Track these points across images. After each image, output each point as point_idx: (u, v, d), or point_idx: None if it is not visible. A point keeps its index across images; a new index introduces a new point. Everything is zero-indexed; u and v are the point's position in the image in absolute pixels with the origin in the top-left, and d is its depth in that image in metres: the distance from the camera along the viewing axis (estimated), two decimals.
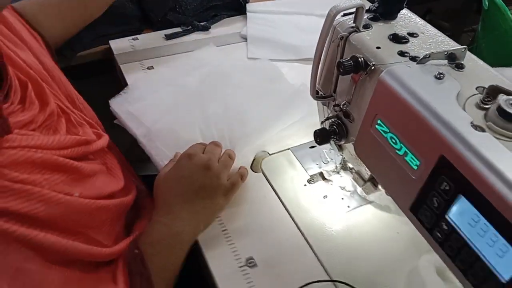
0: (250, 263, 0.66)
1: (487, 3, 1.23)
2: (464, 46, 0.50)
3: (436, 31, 0.56)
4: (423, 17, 1.68)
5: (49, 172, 0.53)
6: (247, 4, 1.21)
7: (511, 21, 1.16)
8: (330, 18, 0.55)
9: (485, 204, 0.39)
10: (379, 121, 0.50)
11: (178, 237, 0.65)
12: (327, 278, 0.64)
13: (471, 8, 1.81)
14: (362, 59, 0.53)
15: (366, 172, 0.65)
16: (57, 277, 0.51)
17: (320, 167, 0.80)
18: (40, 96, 0.60)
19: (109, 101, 0.89)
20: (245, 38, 1.13)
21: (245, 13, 1.20)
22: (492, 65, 0.53)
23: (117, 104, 0.88)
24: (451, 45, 0.53)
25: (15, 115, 0.54)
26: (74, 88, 0.77)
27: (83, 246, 0.55)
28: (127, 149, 0.94)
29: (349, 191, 0.77)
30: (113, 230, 0.64)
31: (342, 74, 0.54)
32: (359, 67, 0.52)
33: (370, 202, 0.75)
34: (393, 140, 0.49)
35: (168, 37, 1.12)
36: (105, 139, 0.69)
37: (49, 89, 0.65)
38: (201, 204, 0.68)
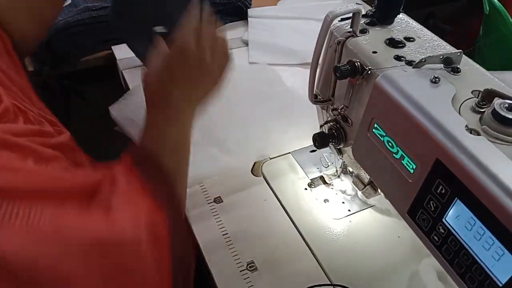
0: (251, 267, 0.66)
1: (488, 7, 1.23)
2: (459, 50, 0.50)
3: (433, 35, 0.57)
4: (426, 20, 1.68)
5: (4, 150, 0.48)
6: (248, 10, 1.22)
7: (511, 25, 1.16)
8: (327, 23, 0.56)
9: (481, 208, 0.39)
10: (376, 125, 0.51)
11: (179, 112, 0.63)
12: (328, 282, 0.65)
13: (474, 12, 1.81)
14: (358, 63, 0.53)
15: (366, 176, 0.66)
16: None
17: (320, 171, 0.80)
18: None
19: (109, 108, 0.90)
20: (246, 43, 1.14)
21: (247, 18, 1.20)
22: (494, 68, 0.53)
23: (117, 111, 0.89)
24: (447, 49, 0.54)
25: None
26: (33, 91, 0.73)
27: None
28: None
29: (349, 195, 0.77)
30: None
31: (339, 79, 0.54)
32: (356, 72, 0.53)
33: (371, 206, 0.76)
34: (390, 144, 0.49)
35: None
36: (66, 135, 0.67)
37: (4, 90, 0.61)
38: (190, 77, 0.64)
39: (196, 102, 0.66)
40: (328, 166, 0.80)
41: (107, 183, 0.52)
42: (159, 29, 0.72)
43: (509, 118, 0.42)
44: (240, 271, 0.66)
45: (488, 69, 0.51)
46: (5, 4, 0.74)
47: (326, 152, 0.82)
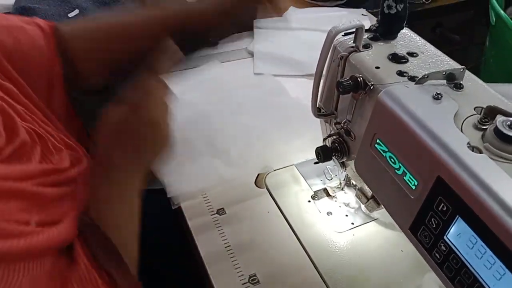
0: (253, 280, 0.66)
1: (494, 17, 1.23)
2: (462, 67, 0.50)
3: (436, 50, 0.57)
4: (433, 30, 1.67)
5: (3, 201, 0.49)
6: (254, 20, 1.22)
7: None
8: (330, 38, 0.56)
9: (482, 226, 0.39)
10: (378, 140, 0.51)
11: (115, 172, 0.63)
12: None
13: (482, 21, 1.81)
14: (361, 78, 0.53)
15: (369, 190, 0.65)
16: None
17: (324, 183, 0.80)
18: (9, 128, 0.57)
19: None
20: (251, 54, 1.14)
21: (253, 29, 1.21)
22: (500, 80, 0.53)
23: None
24: (451, 64, 0.54)
25: None
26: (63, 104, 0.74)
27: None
28: None
29: (353, 208, 0.76)
30: None
31: (342, 94, 0.54)
32: (358, 87, 0.53)
33: (375, 219, 0.75)
34: (392, 160, 0.49)
35: None
36: (82, 166, 0.66)
37: (26, 112, 0.62)
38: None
39: (143, 164, 0.65)
40: (332, 178, 0.80)
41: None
42: None
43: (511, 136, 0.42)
44: (242, 284, 0.65)
45: (494, 81, 0.51)
46: (82, 55, 0.76)
47: (330, 165, 0.82)
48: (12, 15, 0.74)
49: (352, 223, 0.74)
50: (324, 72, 0.61)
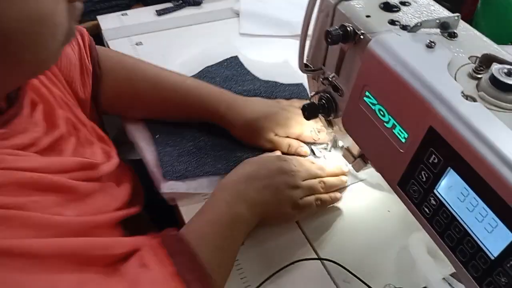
0: None
1: None
2: (457, 14, 0.48)
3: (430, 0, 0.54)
4: None
5: (39, 194, 0.47)
6: None
7: None
8: None
9: (475, 177, 0.37)
10: (367, 93, 0.48)
11: (239, 218, 0.60)
12: (315, 257, 0.63)
13: None
14: (351, 28, 0.50)
15: (356, 148, 0.63)
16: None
17: (310, 144, 0.78)
18: (49, 118, 0.56)
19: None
20: (237, 14, 1.10)
21: None
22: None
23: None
24: (445, 14, 0.51)
25: (14, 138, 0.49)
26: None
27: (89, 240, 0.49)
28: (117, 131, 0.92)
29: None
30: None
31: (330, 44, 0.51)
32: (348, 37, 0.50)
33: (362, 180, 0.74)
34: (381, 113, 0.47)
35: (159, 12, 1.10)
36: (114, 162, 0.63)
37: (62, 98, 0.61)
38: (266, 199, 0.63)
39: (259, 210, 0.63)
40: (319, 139, 0.78)
41: (135, 262, 0.50)
42: None
43: (508, 84, 0.39)
44: None
45: None
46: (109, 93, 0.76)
47: (318, 125, 0.80)
48: None
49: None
50: (312, 25, 0.58)
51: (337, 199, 0.69)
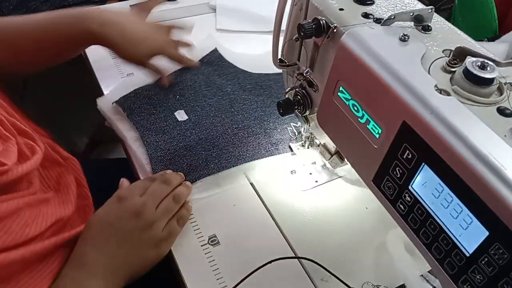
0: (213, 241, 0.63)
1: None
2: (431, 7, 0.47)
3: None
4: None
5: None
6: None
7: None
8: None
9: (449, 173, 0.37)
10: (341, 88, 0.47)
11: None
12: (293, 255, 0.62)
13: None
14: (324, 21, 0.49)
15: (332, 145, 0.62)
16: None
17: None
18: None
19: (96, 99, 0.81)
20: (214, 9, 1.08)
21: None
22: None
23: (106, 103, 0.81)
24: (418, 6, 0.50)
25: None
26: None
27: None
28: (97, 128, 0.90)
29: (315, 164, 0.74)
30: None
31: (303, 38, 0.50)
32: (321, 30, 0.49)
33: (340, 177, 0.73)
34: (355, 108, 0.46)
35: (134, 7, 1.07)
36: (36, 158, 0.55)
37: None
38: (123, 258, 0.56)
39: (122, 274, 0.56)
40: (296, 136, 0.77)
41: None
42: None
43: (482, 77, 0.39)
44: (202, 245, 0.62)
45: None
46: None
47: (295, 122, 0.79)
48: None
49: (316, 181, 0.71)
50: (285, 19, 0.57)
51: (190, 209, 0.65)
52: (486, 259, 0.35)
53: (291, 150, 0.75)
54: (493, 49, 0.43)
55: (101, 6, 1.06)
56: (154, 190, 0.62)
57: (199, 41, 0.94)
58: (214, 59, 0.92)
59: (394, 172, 0.42)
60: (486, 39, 1.14)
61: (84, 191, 0.67)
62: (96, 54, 0.91)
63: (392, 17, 0.46)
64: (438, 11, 0.49)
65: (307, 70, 0.56)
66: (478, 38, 1.19)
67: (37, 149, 0.57)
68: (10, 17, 0.71)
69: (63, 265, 0.55)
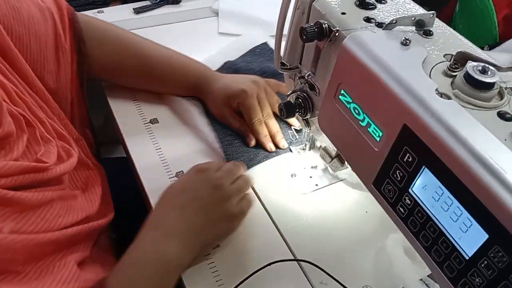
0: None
1: None
2: (432, 12, 0.47)
3: None
4: None
5: None
6: None
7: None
8: None
9: (450, 176, 0.37)
10: (342, 91, 0.47)
11: (165, 258, 0.55)
12: (292, 258, 0.62)
13: None
14: (326, 25, 0.49)
15: (333, 149, 0.63)
16: None
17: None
18: None
19: None
20: (216, 13, 1.09)
21: None
22: None
23: None
24: (420, 11, 0.51)
25: None
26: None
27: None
28: (100, 127, 0.90)
29: (316, 167, 0.74)
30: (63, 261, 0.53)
31: (305, 41, 0.50)
32: (323, 34, 0.49)
33: (342, 180, 0.73)
34: (356, 111, 0.46)
35: (137, 10, 1.08)
36: (71, 161, 0.58)
37: (17, 92, 0.55)
38: (200, 226, 0.58)
39: (198, 241, 0.59)
40: (297, 139, 0.77)
41: None
42: None
43: (483, 81, 0.39)
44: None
45: None
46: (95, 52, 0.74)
47: (295, 125, 0.79)
48: None
49: (316, 185, 0.71)
50: (288, 23, 0.57)
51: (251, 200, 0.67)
52: (485, 262, 0.36)
53: (292, 153, 0.75)
54: (498, 58, 0.43)
55: (104, 9, 1.07)
56: (229, 169, 0.64)
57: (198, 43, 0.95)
58: (266, 51, 0.96)
59: (395, 175, 0.42)
60: (486, 46, 1.15)
61: (107, 198, 0.68)
62: None
63: (394, 22, 0.46)
64: (438, 18, 0.49)
65: (308, 73, 0.56)
66: (478, 45, 1.19)
67: (72, 153, 0.60)
68: (149, 41, 0.81)
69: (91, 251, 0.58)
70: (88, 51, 0.72)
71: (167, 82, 0.80)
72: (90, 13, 1.04)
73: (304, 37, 0.50)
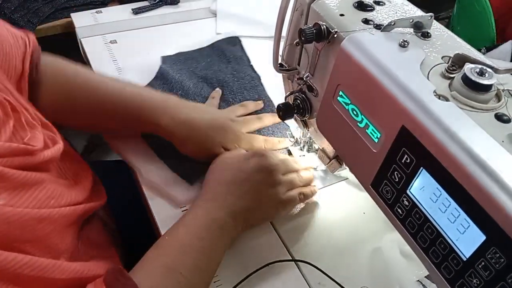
0: None
1: None
2: (430, 14, 0.48)
3: (404, 0, 0.54)
4: None
5: None
6: None
7: (485, 1, 1.15)
8: None
9: (447, 178, 0.37)
10: (340, 93, 0.48)
11: (216, 223, 0.58)
12: (290, 258, 0.62)
13: None
14: (324, 26, 0.49)
15: (331, 150, 0.63)
16: None
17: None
18: None
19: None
20: (214, 14, 1.09)
21: None
22: None
23: None
24: (418, 13, 0.51)
25: None
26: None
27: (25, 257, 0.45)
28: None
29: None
30: (64, 243, 0.54)
31: (304, 43, 0.50)
32: (321, 35, 0.49)
33: (339, 181, 0.73)
34: (355, 112, 0.46)
35: (135, 11, 1.08)
36: (58, 147, 0.57)
37: (3, 81, 0.55)
38: (249, 205, 0.61)
39: (245, 218, 0.62)
40: (295, 140, 0.77)
41: None
42: None
43: (480, 83, 0.39)
44: None
45: None
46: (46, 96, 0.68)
47: (294, 126, 0.79)
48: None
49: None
50: (286, 24, 0.57)
51: (315, 193, 0.69)
52: (483, 263, 0.36)
53: (290, 154, 0.76)
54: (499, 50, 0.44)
55: (102, 9, 1.07)
56: (287, 160, 0.68)
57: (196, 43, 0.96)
58: (235, 44, 0.98)
59: (393, 177, 0.43)
60: (484, 48, 1.15)
61: (99, 186, 0.68)
62: (97, 59, 0.91)
63: (392, 24, 0.47)
64: (436, 20, 0.50)
65: (307, 74, 0.57)
66: (476, 47, 1.20)
67: (58, 140, 0.59)
68: (93, 75, 0.74)
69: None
70: (40, 84, 0.67)
71: (122, 120, 0.71)
72: (88, 13, 1.04)
73: (302, 38, 0.50)
